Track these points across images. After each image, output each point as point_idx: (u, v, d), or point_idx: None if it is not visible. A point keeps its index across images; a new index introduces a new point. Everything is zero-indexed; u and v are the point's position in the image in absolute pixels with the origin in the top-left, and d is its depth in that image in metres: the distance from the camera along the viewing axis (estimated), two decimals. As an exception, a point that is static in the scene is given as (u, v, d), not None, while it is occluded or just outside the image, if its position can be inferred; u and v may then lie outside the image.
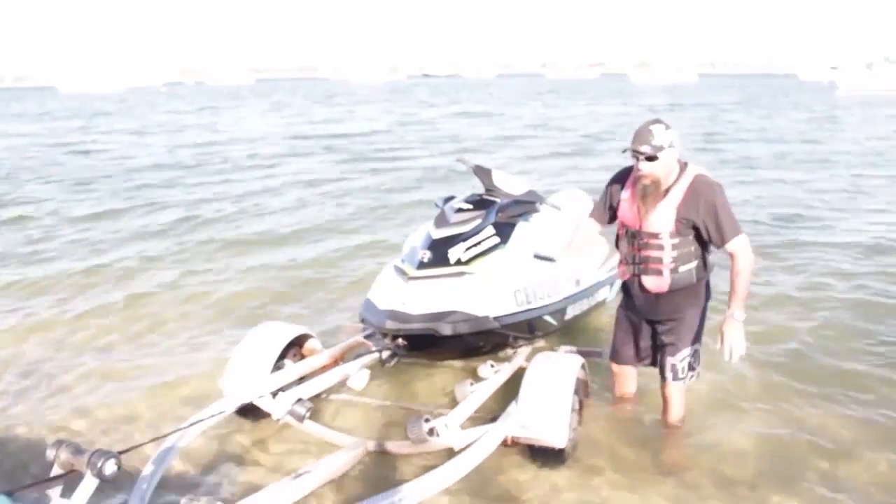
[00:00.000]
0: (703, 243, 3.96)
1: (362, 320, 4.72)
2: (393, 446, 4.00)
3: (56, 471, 2.22)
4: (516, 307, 4.66)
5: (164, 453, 3.26)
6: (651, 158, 3.75)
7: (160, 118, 35.91)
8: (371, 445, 4.00)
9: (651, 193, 3.84)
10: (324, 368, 4.60)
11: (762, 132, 24.70)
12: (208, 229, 10.18)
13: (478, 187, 5.31)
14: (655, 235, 3.91)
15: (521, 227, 5.08)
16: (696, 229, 3.86)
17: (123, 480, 3.32)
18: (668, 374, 4.20)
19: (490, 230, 4.86)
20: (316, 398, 4.45)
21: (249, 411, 4.29)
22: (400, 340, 4.52)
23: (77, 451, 2.21)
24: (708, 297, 4.16)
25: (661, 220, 3.87)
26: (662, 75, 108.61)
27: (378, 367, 4.79)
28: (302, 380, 4.45)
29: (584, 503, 3.69)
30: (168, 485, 3.57)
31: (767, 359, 5.43)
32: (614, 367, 4.55)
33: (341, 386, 4.60)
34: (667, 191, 3.84)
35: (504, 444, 3.87)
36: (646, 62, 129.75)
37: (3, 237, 9.91)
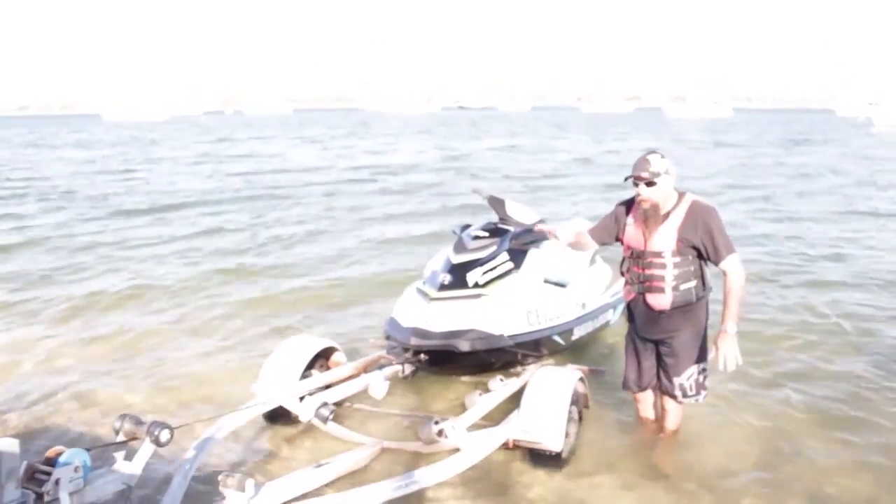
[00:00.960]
0: (702, 264, 4.30)
1: (387, 337, 5.20)
2: (406, 446, 4.42)
3: (120, 438, 2.69)
4: (528, 327, 5.13)
5: (204, 441, 3.72)
6: (650, 184, 4.15)
7: (205, 147, 36.85)
8: (387, 445, 4.43)
9: (651, 216, 4.23)
10: (347, 378, 5.05)
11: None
12: (264, 258, 10.76)
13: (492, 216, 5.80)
14: (659, 254, 4.25)
15: (532, 254, 5.55)
16: (695, 249, 4.21)
17: (171, 457, 3.80)
18: (678, 393, 4.52)
19: (505, 256, 5.35)
20: (339, 404, 4.88)
21: (279, 415, 4.75)
22: (422, 355, 5.01)
23: (138, 422, 2.68)
24: (707, 317, 4.42)
25: (664, 240, 4.22)
26: (697, 109, 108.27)
27: (397, 380, 5.24)
28: (327, 388, 4.89)
29: (576, 501, 4.06)
30: (206, 466, 4.02)
31: (762, 377, 5.77)
32: (634, 394, 4.85)
33: (363, 394, 5.04)
34: (667, 214, 4.22)
35: (506, 447, 4.28)
36: (681, 96, 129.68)
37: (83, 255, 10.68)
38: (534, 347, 5.29)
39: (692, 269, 4.27)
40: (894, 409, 5.26)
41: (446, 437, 4.07)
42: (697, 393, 4.50)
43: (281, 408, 4.60)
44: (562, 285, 5.69)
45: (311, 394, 4.60)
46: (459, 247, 5.42)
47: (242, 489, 3.15)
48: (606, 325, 6.30)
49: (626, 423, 4.98)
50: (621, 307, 6.51)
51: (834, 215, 14.42)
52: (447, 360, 5.06)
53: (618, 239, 4.58)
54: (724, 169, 24.08)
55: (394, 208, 15.43)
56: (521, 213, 5.77)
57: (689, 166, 24.46)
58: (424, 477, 3.71)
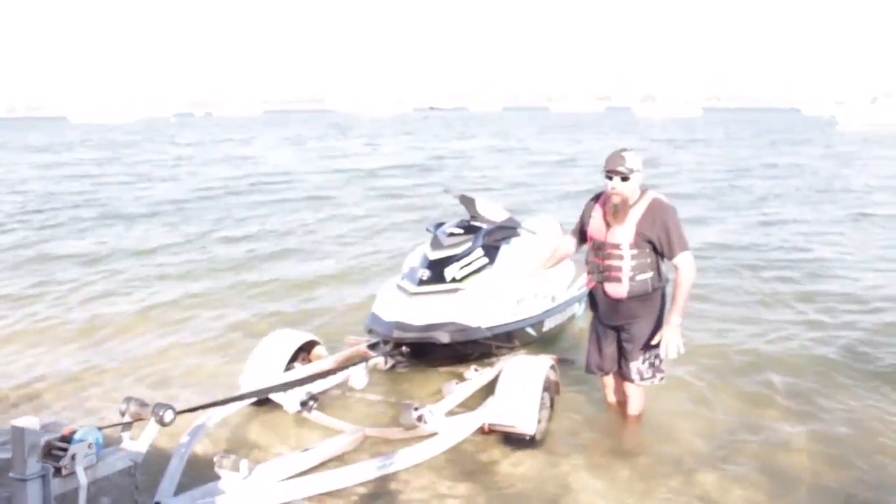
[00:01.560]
0: (658, 258, 4.58)
1: (369, 331, 5.45)
2: (387, 432, 4.65)
3: (126, 419, 2.91)
4: (503, 319, 5.40)
5: (197, 427, 3.96)
6: (624, 178, 4.45)
7: (181, 151, 36.58)
8: (369, 431, 4.66)
9: (620, 210, 4.49)
10: (329, 371, 5.27)
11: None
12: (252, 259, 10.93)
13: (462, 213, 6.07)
14: (617, 246, 4.53)
15: (504, 249, 5.83)
16: (651, 243, 4.50)
17: (167, 449, 4.02)
18: (635, 377, 4.80)
19: (479, 252, 5.62)
20: (322, 395, 5.11)
21: (264, 403, 4.98)
22: (403, 348, 5.26)
23: (143, 404, 2.89)
24: (663, 306, 4.69)
25: (623, 233, 4.51)
26: (667, 109, 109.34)
27: (377, 371, 5.49)
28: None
29: (549, 481, 4.30)
30: (201, 450, 4.28)
31: (731, 364, 6.10)
32: (600, 378, 5.16)
33: (344, 386, 5.27)
34: (629, 209, 4.51)
35: (482, 431, 4.55)
36: (651, 95, 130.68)
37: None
38: (508, 339, 5.56)
39: (648, 261, 4.55)
40: (860, 393, 5.60)
41: (425, 422, 4.31)
42: (653, 376, 4.78)
43: (267, 398, 4.82)
44: (532, 278, 5.96)
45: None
46: (436, 244, 5.68)
47: (237, 469, 3.38)
48: (573, 317, 6.60)
49: (595, 408, 5.26)
50: (586, 300, 6.83)
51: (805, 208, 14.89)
52: (427, 351, 5.31)
53: (583, 240, 4.92)
54: (703, 167, 24.46)
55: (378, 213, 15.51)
56: (491, 211, 6.05)
57: (667, 165, 24.86)
58: (404, 458, 3.96)
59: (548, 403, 4.86)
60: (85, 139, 50.41)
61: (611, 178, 4.49)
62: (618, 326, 4.78)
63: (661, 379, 4.83)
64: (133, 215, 14.97)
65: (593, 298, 4.89)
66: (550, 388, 4.91)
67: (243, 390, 4.70)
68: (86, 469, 2.67)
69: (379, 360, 5.39)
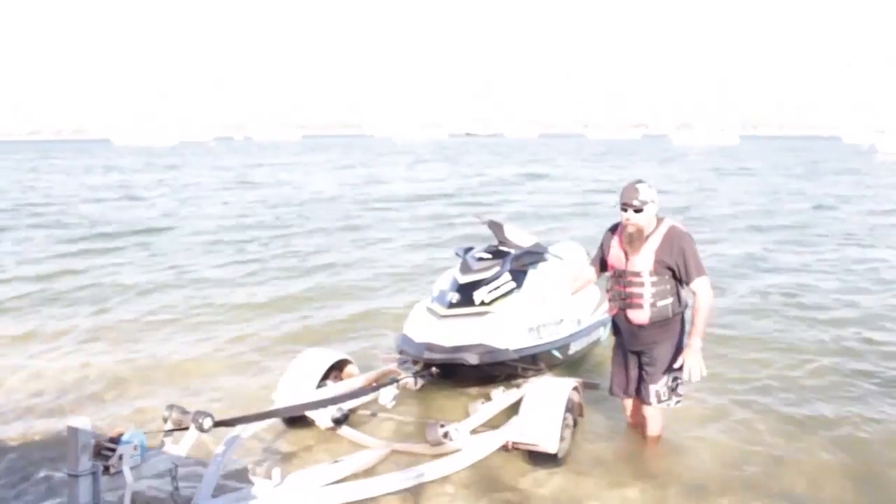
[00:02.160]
0: (678, 284, 4.74)
1: (400, 351, 5.64)
2: (414, 448, 4.81)
3: (168, 426, 3.13)
4: (530, 342, 5.56)
5: (232, 438, 4.15)
6: (638, 210, 4.62)
7: (228, 175, 37.28)
8: (396, 447, 4.82)
9: (636, 240, 4.67)
10: (360, 390, 5.46)
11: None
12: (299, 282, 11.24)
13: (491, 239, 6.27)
14: (638, 274, 4.71)
15: (532, 274, 5.99)
16: (670, 270, 4.67)
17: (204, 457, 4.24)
18: (653, 399, 4.90)
19: (507, 276, 5.79)
20: (352, 412, 5.29)
21: (296, 419, 5.18)
22: (433, 368, 5.44)
23: (184, 412, 3.11)
24: (682, 330, 4.83)
25: (643, 261, 4.68)
26: (704, 137, 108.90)
27: (405, 390, 5.68)
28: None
29: (570, 500, 4.42)
30: (236, 459, 4.48)
31: (741, 394, 6.17)
32: (622, 400, 5.27)
33: (374, 403, 5.46)
34: (647, 238, 4.68)
35: (506, 448, 4.69)
36: (687, 123, 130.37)
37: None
38: (534, 361, 5.70)
39: (668, 287, 4.72)
40: (877, 417, 5.66)
41: (451, 439, 4.47)
42: (670, 398, 4.90)
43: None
44: (559, 303, 6.12)
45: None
46: (465, 268, 5.86)
47: (269, 477, 3.58)
48: (598, 341, 6.72)
49: (617, 431, 5.37)
50: (611, 325, 6.96)
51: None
52: (456, 372, 5.49)
53: (604, 268, 5.09)
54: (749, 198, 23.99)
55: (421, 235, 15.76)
56: (518, 237, 6.23)
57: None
58: (430, 471, 4.13)
59: (571, 423, 4.99)
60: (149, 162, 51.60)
61: (625, 210, 4.66)
62: (639, 351, 4.92)
63: (678, 402, 4.96)
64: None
65: (616, 324, 5.04)
66: (573, 409, 5.05)
67: (277, 406, 4.91)
68: (131, 469, 2.90)
69: (409, 380, 5.57)
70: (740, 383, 6.39)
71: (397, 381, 5.46)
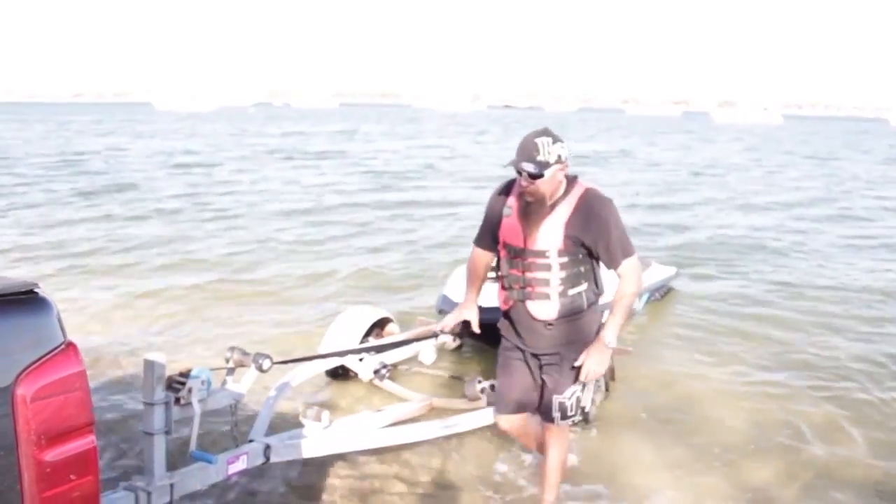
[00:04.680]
0: (594, 264, 3.59)
1: (440, 311, 5.85)
2: (452, 403, 5.03)
3: (230, 365, 3.39)
4: None
5: (283, 385, 4.45)
6: (536, 176, 3.33)
7: (276, 142, 36.93)
8: (435, 401, 5.05)
9: (535, 211, 3.42)
10: (402, 342, 5.69)
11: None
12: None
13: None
14: (542, 254, 3.47)
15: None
16: (586, 248, 3.48)
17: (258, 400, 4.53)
18: (556, 414, 3.72)
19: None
20: (393, 368, 5.53)
21: (340, 374, 5.44)
22: (471, 329, 5.64)
23: (244, 353, 3.36)
24: (599, 326, 3.69)
25: (548, 236, 3.44)
26: (746, 115, 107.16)
27: (444, 350, 5.92)
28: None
29: (600, 458, 4.58)
30: (286, 404, 4.74)
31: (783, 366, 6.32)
32: (502, 421, 3.98)
33: (414, 361, 5.71)
34: (554, 205, 3.44)
35: (540, 407, 4.89)
36: (729, 101, 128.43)
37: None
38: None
39: (582, 269, 3.53)
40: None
41: (488, 394, 4.69)
42: (575, 413, 3.74)
43: (342, 367, 5.29)
44: None
45: (369, 355, 5.26)
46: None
47: (319, 419, 3.82)
48: (633, 312, 6.87)
49: (648, 396, 5.55)
50: (646, 296, 7.12)
51: None
52: (493, 333, 5.68)
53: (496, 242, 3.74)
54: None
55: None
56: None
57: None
58: (466, 422, 4.35)
59: (602, 386, 5.17)
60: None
61: (520, 174, 3.40)
62: (542, 355, 3.72)
63: (585, 416, 3.98)
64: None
65: (509, 321, 3.83)
66: (606, 373, 5.21)
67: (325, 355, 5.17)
68: (199, 401, 3.16)
69: (447, 339, 5.79)
70: (785, 352, 6.54)
71: (436, 335, 5.69)
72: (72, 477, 1.57)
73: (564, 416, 3.70)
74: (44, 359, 1.54)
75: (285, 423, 4.37)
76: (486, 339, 5.84)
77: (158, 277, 9.01)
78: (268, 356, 3.33)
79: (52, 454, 1.54)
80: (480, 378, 4.81)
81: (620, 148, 37.45)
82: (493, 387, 4.73)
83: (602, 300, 3.73)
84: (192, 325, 7.14)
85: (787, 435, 4.98)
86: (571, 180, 3.50)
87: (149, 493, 3.03)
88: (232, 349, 3.40)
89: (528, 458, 4.50)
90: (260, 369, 3.32)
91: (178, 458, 3.51)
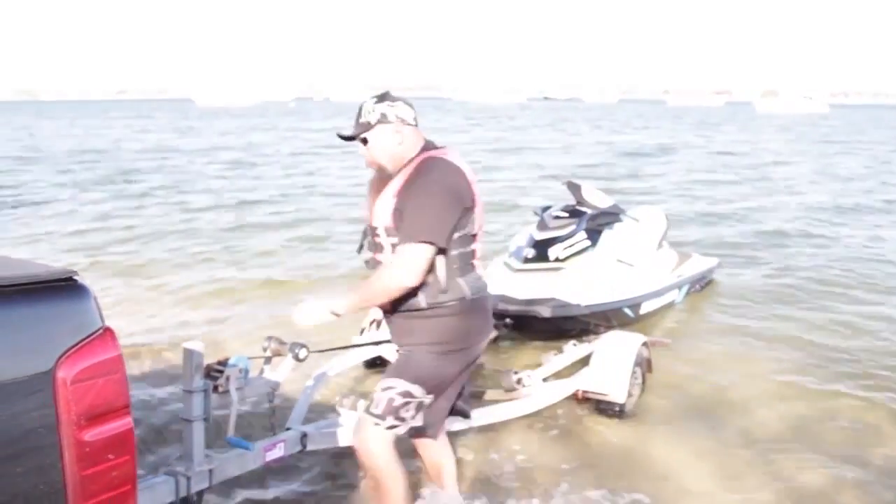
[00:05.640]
0: (443, 254, 2.98)
1: None
2: (489, 393, 5.06)
3: (267, 354, 3.45)
4: (601, 299, 5.74)
5: (321, 374, 4.53)
6: (349, 139, 3.11)
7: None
8: (472, 391, 5.08)
9: (376, 182, 3.19)
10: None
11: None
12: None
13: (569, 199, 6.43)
14: (375, 232, 3.13)
15: (607, 234, 6.15)
16: None
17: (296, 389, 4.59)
18: (362, 403, 3.54)
19: (582, 235, 5.98)
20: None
21: (376, 365, 5.49)
22: (507, 320, 5.67)
23: (281, 342, 3.41)
24: (453, 333, 3.09)
25: (381, 211, 3.07)
26: (790, 105, 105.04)
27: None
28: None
29: (635, 450, 4.56)
30: (324, 393, 4.80)
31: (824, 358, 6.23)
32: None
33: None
34: (393, 177, 3.10)
35: (576, 398, 4.90)
36: (773, 90, 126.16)
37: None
38: (605, 318, 5.88)
39: None
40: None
41: (524, 385, 4.70)
42: (384, 417, 3.07)
43: (379, 357, 5.34)
44: (632, 264, 6.27)
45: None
46: (542, 225, 6.06)
47: (355, 408, 3.86)
48: (672, 303, 6.84)
49: (687, 390, 5.49)
50: (686, 287, 7.07)
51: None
52: (528, 324, 5.71)
53: None
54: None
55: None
56: (596, 197, 6.37)
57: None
58: (503, 411, 4.39)
59: (639, 379, 5.15)
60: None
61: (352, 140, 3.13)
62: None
63: (393, 428, 3.10)
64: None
65: None
66: (643, 364, 5.20)
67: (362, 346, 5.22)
68: (237, 389, 3.22)
69: None
70: (825, 348, 6.43)
71: None
72: (110, 456, 1.63)
73: (368, 410, 3.16)
74: (82, 343, 1.60)
75: (322, 412, 4.43)
76: (520, 330, 5.89)
77: (202, 270, 9.20)
78: (304, 345, 3.38)
79: (91, 434, 1.60)
80: (517, 369, 4.82)
81: (680, 140, 36.72)
82: (529, 376, 4.77)
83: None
84: (233, 316, 7.26)
85: (828, 433, 4.89)
86: (426, 148, 3.13)
87: (188, 478, 3.09)
88: (269, 339, 3.45)
89: (564, 447, 4.51)
90: (296, 358, 3.37)
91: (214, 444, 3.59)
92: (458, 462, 4.31)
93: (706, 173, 21.20)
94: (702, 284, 7.77)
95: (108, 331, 1.67)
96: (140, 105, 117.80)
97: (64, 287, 1.66)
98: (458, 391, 3.31)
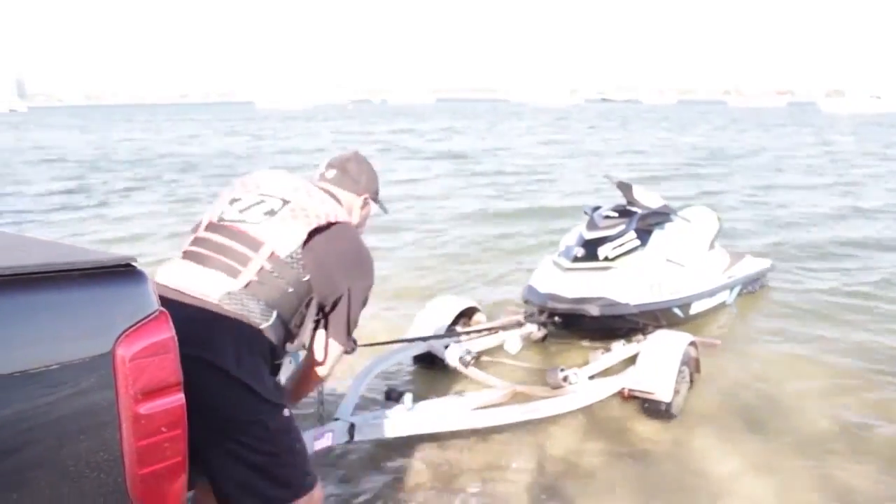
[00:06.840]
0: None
1: (525, 301, 5.96)
2: (535, 390, 5.11)
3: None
4: (650, 298, 5.74)
5: (371, 366, 4.66)
6: None
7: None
8: (518, 388, 5.14)
9: None
10: (488, 329, 5.81)
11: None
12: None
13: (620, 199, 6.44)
14: None
15: (657, 234, 6.15)
16: None
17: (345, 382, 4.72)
18: None
19: (632, 234, 5.98)
20: (478, 356, 5.65)
21: (426, 361, 5.60)
22: (556, 318, 5.73)
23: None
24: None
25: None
26: (857, 104, 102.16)
27: (529, 341, 6.03)
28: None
29: (680, 449, 4.58)
30: (370, 388, 4.89)
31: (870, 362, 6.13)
32: None
33: (500, 351, 5.80)
34: None
35: (622, 396, 4.93)
36: (838, 90, 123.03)
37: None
38: (654, 317, 5.87)
39: None
40: None
41: (570, 382, 4.75)
42: None
43: (429, 353, 5.45)
44: (682, 264, 6.26)
45: (455, 343, 5.39)
46: (592, 225, 6.09)
47: (402, 402, 3.97)
48: (723, 304, 6.79)
49: (735, 391, 5.45)
50: (738, 289, 7.02)
51: None
52: (577, 323, 5.75)
53: None
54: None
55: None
56: (646, 197, 6.37)
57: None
58: (548, 408, 4.44)
59: (686, 378, 5.15)
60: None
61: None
62: None
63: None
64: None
65: None
66: (690, 364, 5.19)
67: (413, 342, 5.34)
68: (287, 379, 3.34)
69: (532, 329, 5.88)
70: (883, 356, 6.28)
71: (521, 324, 5.79)
72: (163, 429, 1.76)
73: None
74: (139, 324, 1.73)
75: (370, 404, 4.55)
76: (569, 329, 5.93)
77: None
78: (354, 339, 3.49)
79: (146, 408, 1.72)
80: (563, 367, 4.87)
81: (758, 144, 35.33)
82: (575, 374, 4.81)
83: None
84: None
85: (880, 441, 4.80)
86: None
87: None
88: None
89: (610, 447, 4.55)
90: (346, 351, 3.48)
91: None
92: (499, 457, 4.40)
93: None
94: (755, 286, 7.68)
95: (162, 314, 1.80)
96: (206, 108, 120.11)
97: (123, 272, 1.79)
98: None
